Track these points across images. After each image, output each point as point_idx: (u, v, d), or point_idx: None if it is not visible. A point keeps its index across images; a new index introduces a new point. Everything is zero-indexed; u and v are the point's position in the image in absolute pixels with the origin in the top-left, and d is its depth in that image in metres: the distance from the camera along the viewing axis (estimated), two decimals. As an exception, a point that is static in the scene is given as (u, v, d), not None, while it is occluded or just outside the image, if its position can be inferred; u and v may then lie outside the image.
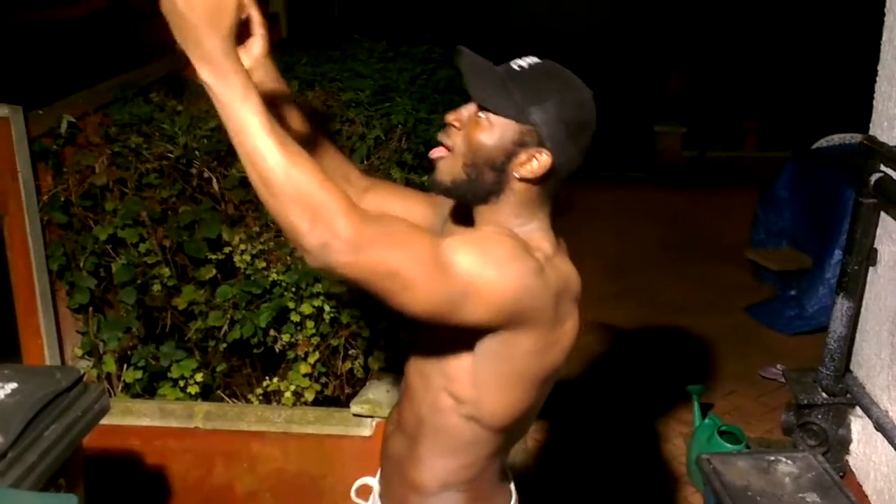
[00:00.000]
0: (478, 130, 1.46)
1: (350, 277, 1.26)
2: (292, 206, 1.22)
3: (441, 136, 1.52)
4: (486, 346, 1.44)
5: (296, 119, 1.69)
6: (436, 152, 1.51)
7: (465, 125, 1.49)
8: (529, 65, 1.48)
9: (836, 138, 5.38)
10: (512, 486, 1.73)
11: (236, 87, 1.23)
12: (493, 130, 1.45)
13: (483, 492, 1.62)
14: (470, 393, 1.49)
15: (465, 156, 1.48)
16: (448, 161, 1.50)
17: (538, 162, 1.45)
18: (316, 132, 1.73)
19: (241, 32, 1.42)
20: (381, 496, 1.71)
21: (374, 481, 1.76)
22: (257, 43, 1.53)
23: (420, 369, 1.59)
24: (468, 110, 1.49)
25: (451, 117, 1.50)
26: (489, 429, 1.53)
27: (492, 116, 1.45)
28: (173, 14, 1.22)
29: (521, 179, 1.47)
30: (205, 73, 1.23)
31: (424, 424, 1.57)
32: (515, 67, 1.47)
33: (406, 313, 1.33)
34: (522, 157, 1.45)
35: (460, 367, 1.49)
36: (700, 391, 3.61)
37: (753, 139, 7.82)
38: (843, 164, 4.65)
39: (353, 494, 1.80)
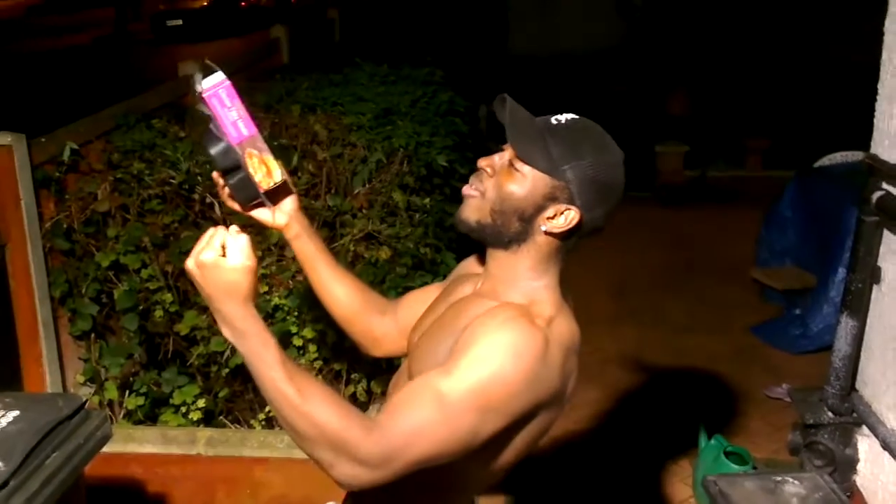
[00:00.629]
0: (510, 180, 1.48)
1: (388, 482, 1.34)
2: (316, 446, 1.32)
3: (473, 180, 1.53)
4: None
5: (330, 265, 1.79)
6: (468, 190, 1.53)
7: (497, 173, 1.50)
8: (567, 120, 1.49)
9: (838, 157, 5.38)
10: None
11: (255, 345, 1.36)
12: (526, 182, 1.47)
13: None
14: None
15: (493, 202, 1.49)
16: (477, 202, 1.51)
17: (566, 218, 1.47)
18: (348, 276, 1.82)
19: (276, 192, 1.60)
20: None
21: None
22: (290, 200, 1.69)
23: None
24: (502, 158, 1.50)
25: (483, 163, 1.51)
26: (472, 464, 1.50)
27: (526, 168, 1.46)
28: (196, 283, 1.38)
29: (547, 233, 1.48)
30: (226, 332, 1.39)
31: None
32: (553, 122, 1.49)
33: None
34: (551, 211, 1.47)
35: None
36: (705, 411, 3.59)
37: (756, 158, 7.83)
38: (845, 183, 4.65)
39: None
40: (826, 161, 5.43)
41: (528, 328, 1.41)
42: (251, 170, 1.50)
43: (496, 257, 1.54)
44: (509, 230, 1.49)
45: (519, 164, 1.47)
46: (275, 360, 1.33)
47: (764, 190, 6.36)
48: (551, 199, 1.46)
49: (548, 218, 1.47)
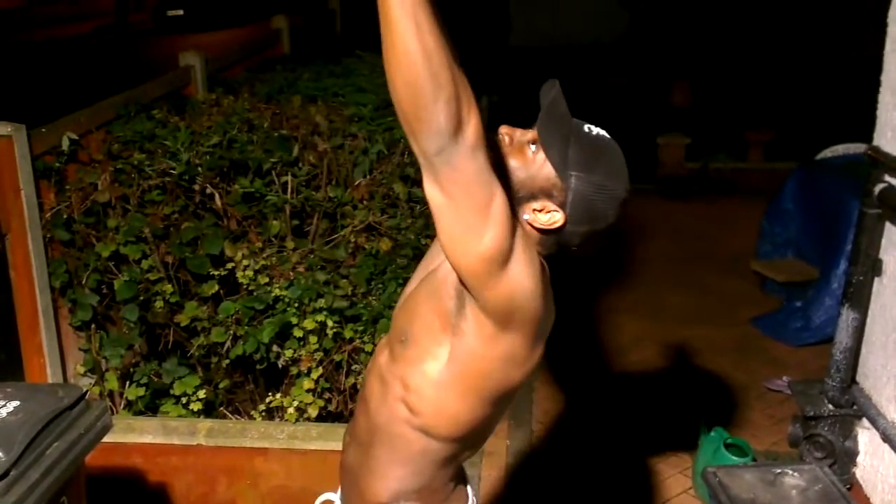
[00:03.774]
0: (520, 157, 1.47)
1: (449, 183, 1.30)
2: (438, 80, 1.24)
3: None
4: (467, 343, 1.46)
5: None
6: None
7: (511, 145, 1.49)
8: (598, 134, 1.50)
9: (840, 149, 5.37)
10: (469, 489, 1.74)
11: None
12: (533, 167, 1.47)
13: (436, 498, 1.64)
14: (425, 404, 1.52)
15: None
16: None
17: (551, 218, 1.47)
18: None
19: None
20: None
21: (335, 497, 1.78)
22: None
23: (381, 375, 1.60)
24: (524, 135, 1.49)
25: (504, 130, 1.50)
26: (440, 440, 1.56)
27: (539, 154, 1.46)
28: None
29: (528, 223, 1.48)
30: None
31: (378, 433, 1.59)
32: (585, 129, 1.49)
33: (453, 260, 1.37)
34: (540, 204, 1.47)
35: (423, 376, 1.51)
36: (705, 404, 3.59)
37: (758, 150, 7.82)
38: (847, 175, 4.65)
39: None
40: (828, 153, 5.42)
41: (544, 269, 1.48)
42: None
43: None
44: None
45: (535, 147, 1.47)
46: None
47: (766, 182, 6.35)
48: (546, 194, 1.46)
49: (534, 210, 1.47)
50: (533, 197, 1.46)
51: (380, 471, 1.60)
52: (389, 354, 1.59)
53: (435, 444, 1.56)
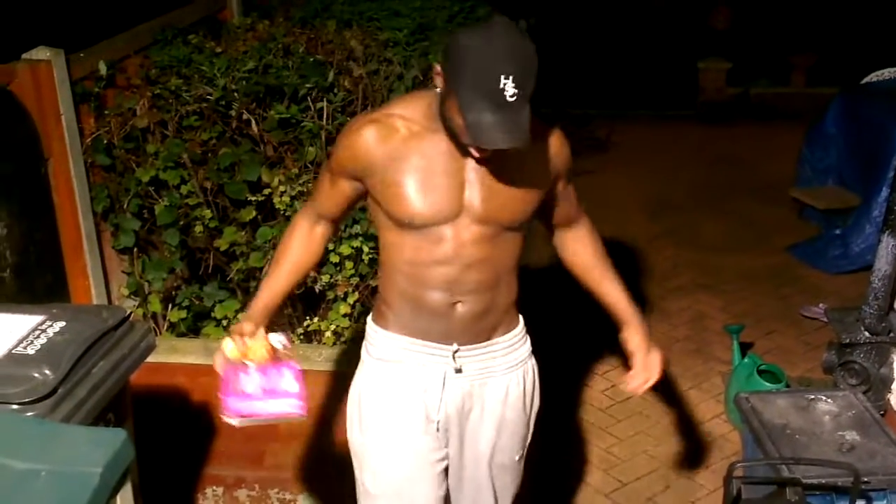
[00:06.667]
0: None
1: None
2: None
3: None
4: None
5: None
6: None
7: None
8: None
9: (886, 73, 5.24)
10: None
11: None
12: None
13: None
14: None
15: None
16: None
17: None
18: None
19: None
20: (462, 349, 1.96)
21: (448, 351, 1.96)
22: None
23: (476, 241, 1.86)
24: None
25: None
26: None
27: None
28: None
29: None
30: None
31: (501, 264, 1.92)
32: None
33: None
34: None
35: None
36: (739, 330, 3.60)
37: (801, 74, 7.63)
38: (893, 100, 4.54)
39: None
40: (874, 77, 5.29)
41: None
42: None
43: None
44: None
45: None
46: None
47: (808, 107, 6.23)
48: None
49: None
50: None
51: (511, 287, 1.97)
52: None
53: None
